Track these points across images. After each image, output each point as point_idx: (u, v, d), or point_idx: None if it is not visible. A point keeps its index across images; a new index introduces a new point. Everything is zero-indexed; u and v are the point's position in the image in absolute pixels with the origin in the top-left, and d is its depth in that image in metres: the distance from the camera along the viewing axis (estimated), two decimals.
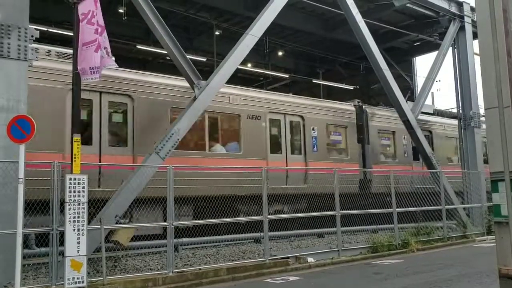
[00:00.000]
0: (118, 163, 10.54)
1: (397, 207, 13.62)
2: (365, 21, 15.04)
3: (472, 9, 18.32)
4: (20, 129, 7.24)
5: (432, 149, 19.00)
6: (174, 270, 9.17)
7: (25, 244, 8.83)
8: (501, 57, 4.02)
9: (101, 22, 7.93)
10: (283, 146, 14.58)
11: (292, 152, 14.77)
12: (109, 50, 7.98)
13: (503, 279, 4.27)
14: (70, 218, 7.63)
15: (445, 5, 18.00)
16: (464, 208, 16.79)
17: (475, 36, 18.04)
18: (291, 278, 9.63)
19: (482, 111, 15.78)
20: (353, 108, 16.87)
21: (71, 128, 8.05)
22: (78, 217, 7.72)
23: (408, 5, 17.14)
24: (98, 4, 7.95)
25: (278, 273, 10.14)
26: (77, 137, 7.86)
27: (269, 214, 10.89)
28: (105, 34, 7.97)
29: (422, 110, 17.64)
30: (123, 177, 10.04)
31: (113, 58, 8.09)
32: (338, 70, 24.93)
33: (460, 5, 18.53)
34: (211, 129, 13.22)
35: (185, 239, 10.92)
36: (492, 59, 4.02)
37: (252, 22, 12.53)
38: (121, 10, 16.05)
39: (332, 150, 15.98)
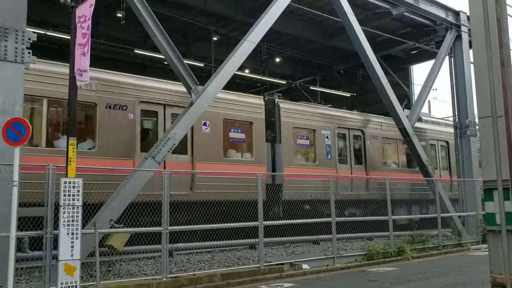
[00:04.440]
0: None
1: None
2: (362, 29, 15.09)
3: (469, 18, 18.40)
4: (15, 131, 7.21)
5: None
6: (168, 275, 9.14)
7: (19, 248, 8.79)
8: (495, 67, 4.04)
9: (89, 28, 7.95)
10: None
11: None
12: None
13: None
14: (64, 221, 7.59)
15: (442, 14, 18.11)
16: (459, 217, 16.81)
17: (471, 45, 18.05)
18: (286, 285, 9.61)
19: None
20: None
21: (67, 132, 8.03)
22: (73, 220, 7.68)
23: (405, 13, 17.21)
24: (92, 9, 7.96)
25: (273, 279, 10.13)
26: (73, 140, 7.84)
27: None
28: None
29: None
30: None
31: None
32: (336, 77, 24.98)
33: (457, 14, 18.64)
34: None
35: (180, 244, 10.92)
36: (486, 69, 4.04)
37: (250, 28, 12.57)
38: (119, 15, 16.05)
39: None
